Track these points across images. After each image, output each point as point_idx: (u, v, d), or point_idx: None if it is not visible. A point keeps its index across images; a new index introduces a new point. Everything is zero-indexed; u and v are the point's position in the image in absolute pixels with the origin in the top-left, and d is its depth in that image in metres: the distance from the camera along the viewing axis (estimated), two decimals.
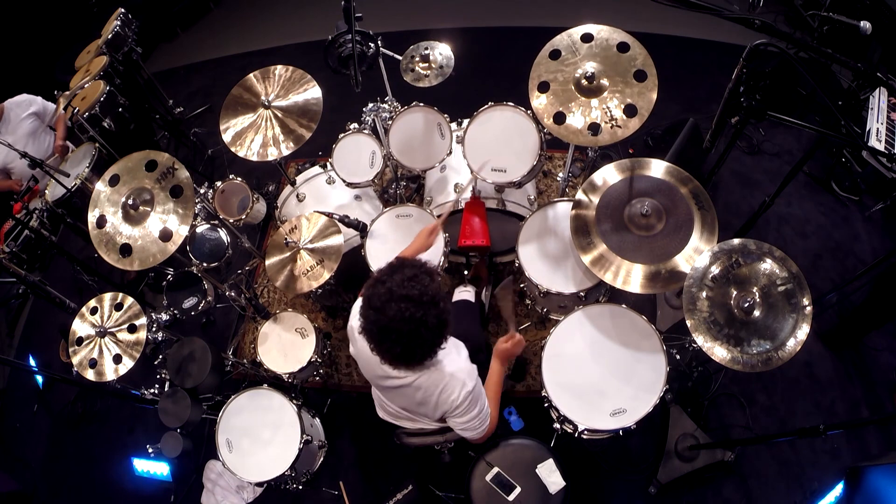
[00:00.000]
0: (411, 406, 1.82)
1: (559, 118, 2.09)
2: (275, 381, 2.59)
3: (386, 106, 2.95)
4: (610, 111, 2.03)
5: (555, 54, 2.15)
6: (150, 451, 2.62)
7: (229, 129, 2.54)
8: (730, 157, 2.33)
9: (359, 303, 1.68)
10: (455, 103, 2.72)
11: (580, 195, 2.15)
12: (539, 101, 2.13)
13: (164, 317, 2.90)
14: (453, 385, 1.68)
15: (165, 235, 2.17)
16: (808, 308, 1.78)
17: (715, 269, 1.87)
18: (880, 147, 2.86)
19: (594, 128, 2.05)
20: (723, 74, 1.83)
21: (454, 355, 1.73)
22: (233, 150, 2.52)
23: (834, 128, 2.99)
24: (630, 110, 2.02)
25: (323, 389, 3.00)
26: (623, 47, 2.07)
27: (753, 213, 2.52)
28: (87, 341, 2.48)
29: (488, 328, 2.98)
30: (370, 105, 2.94)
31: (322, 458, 2.79)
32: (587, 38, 2.12)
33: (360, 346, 1.71)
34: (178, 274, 2.94)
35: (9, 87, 3.69)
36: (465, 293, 2.52)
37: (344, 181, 2.75)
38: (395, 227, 2.57)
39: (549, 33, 2.19)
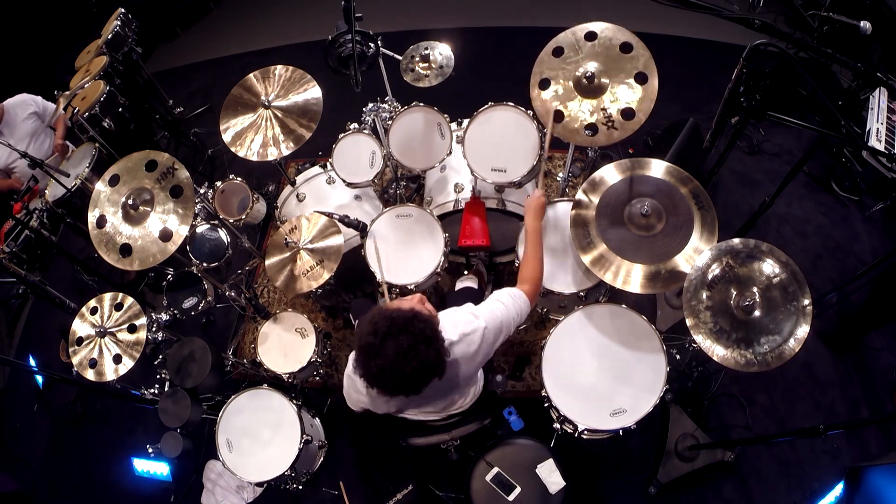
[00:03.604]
0: (469, 371, 1.80)
1: (557, 116, 2.09)
2: (275, 381, 2.59)
3: (386, 106, 2.94)
4: (608, 112, 2.03)
5: (558, 51, 2.14)
6: (150, 451, 2.62)
7: (229, 129, 2.54)
8: (730, 157, 2.33)
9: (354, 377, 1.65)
10: (455, 103, 2.71)
11: (580, 195, 2.14)
12: (537, 98, 2.12)
13: (164, 317, 2.90)
14: (475, 337, 1.70)
15: (165, 235, 2.17)
16: (807, 304, 1.78)
17: (710, 275, 1.87)
18: (880, 147, 2.86)
19: (592, 128, 2.04)
20: (723, 74, 1.83)
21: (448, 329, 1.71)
22: (233, 150, 2.52)
23: (834, 128, 3.00)
24: (628, 113, 2.02)
25: (323, 389, 3.00)
26: (626, 47, 2.06)
27: (753, 213, 2.52)
28: (87, 341, 2.49)
29: None
30: (370, 105, 2.93)
31: (322, 458, 2.78)
32: (591, 36, 2.11)
33: (372, 399, 1.73)
34: (178, 274, 2.94)
35: (9, 86, 3.69)
36: (467, 281, 2.59)
37: (344, 181, 2.75)
38: (395, 227, 2.56)
39: (548, 33, 2.18)
